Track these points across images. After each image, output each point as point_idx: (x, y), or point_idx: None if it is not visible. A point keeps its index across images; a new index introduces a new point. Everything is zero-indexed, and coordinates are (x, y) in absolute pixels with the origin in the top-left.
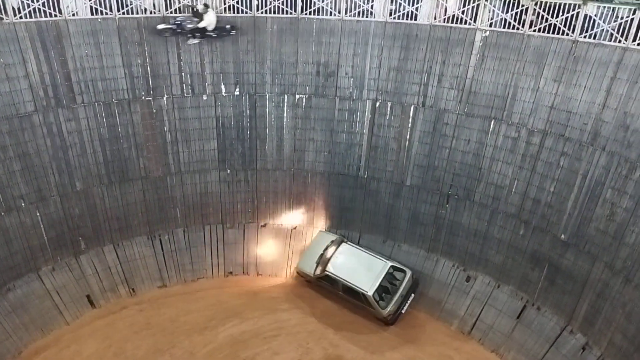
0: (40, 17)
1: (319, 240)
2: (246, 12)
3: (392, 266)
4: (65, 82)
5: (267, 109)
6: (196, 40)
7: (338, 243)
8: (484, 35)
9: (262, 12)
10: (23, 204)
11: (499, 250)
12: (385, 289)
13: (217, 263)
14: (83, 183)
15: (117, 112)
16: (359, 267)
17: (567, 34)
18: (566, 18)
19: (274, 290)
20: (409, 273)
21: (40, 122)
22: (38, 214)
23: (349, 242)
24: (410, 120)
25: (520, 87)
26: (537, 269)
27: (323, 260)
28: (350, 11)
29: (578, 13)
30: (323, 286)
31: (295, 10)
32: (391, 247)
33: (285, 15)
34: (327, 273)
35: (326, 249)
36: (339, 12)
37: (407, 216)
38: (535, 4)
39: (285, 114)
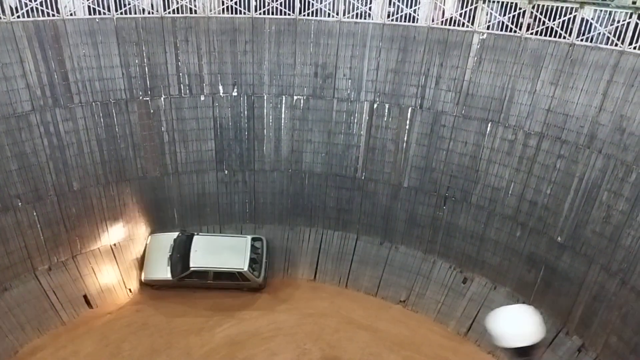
0: (38, 16)
1: (156, 243)
2: (244, 13)
3: (252, 238)
4: (63, 82)
5: (265, 110)
6: None
7: (186, 238)
8: (481, 37)
9: (260, 13)
10: (20, 204)
11: (495, 252)
12: (253, 260)
13: None
14: (80, 183)
15: (114, 112)
16: (223, 251)
17: (564, 37)
18: (563, 21)
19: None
20: (264, 240)
21: (38, 122)
22: (35, 214)
23: (199, 233)
24: (407, 122)
25: (517, 90)
26: (534, 271)
27: (177, 259)
28: (349, 13)
29: (575, 16)
30: (185, 284)
31: (293, 12)
32: (388, 248)
33: (283, 17)
34: (194, 268)
35: (173, 248)
36: (337, 14)
37: (405, 218)
38: (533, 7)
39: (283, 115)
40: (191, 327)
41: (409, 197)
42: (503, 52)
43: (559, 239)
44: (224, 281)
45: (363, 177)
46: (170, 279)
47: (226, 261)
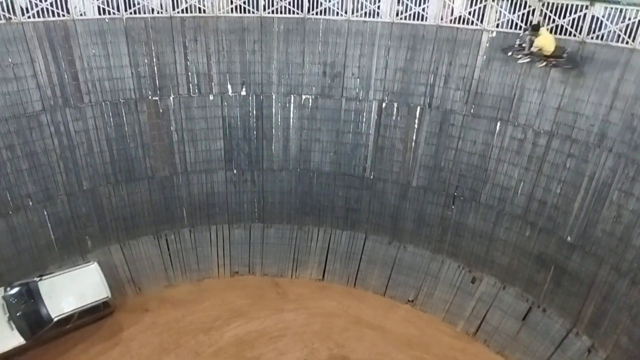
0: (48, 17)
1: None
2: (253, 12)
3: (97, 262)
4: (73, 82)
5: (273, 110)
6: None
7: (26, 288)
8: (490, 36)
9: (268, 12)
10: (30, 203)
11: (504, 252)
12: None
13: (223, 263)
14: (90, 182)
15: (123, 111)
16: (76, 286)
17: (574, 35)
18: (573, 19)
19: (279, 289)
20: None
21: (48, 122)
22: (45, 213)
23: (42, 277)
24: (416, 121)
25: (526, 89)
26: (543, 271)
27: (24, 317)
28: (357, 12)
29: (585, 14)
30: (42, 340)
31: (301, 11)
32: (397, 248)
33: (292, 16)
34: (57, 318)
35: (8, 306)
36: (346, 13)
37: (413, 217)
38: (543, 5)
39: (291, 115)
40: (200, 327)
41: (418, 197)
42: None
43: (568, 238)
44: (87, 316)
45: (372, 177)
46: (24, 342)
47: (88, 295)
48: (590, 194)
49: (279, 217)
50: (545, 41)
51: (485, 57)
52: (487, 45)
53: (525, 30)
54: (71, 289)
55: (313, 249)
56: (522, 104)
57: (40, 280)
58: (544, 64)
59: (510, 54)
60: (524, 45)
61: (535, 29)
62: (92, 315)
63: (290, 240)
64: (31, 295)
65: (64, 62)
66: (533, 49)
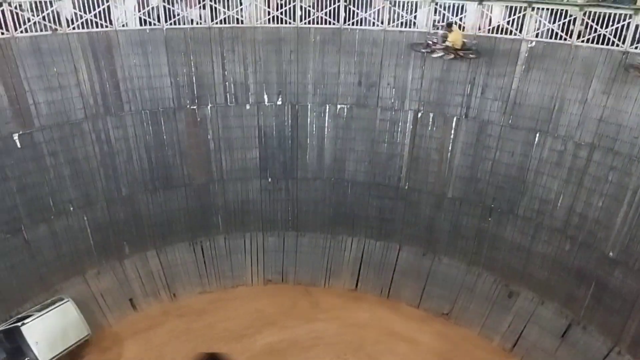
0: (92, 28)
1: None
2: (289, 23)
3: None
4: (114, 91)
5: (308, 119)
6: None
7: (7, 334)
8: (529, 45)
9: (305, 23)
10: (72, 208)
11: (543, 266)
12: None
13: (257, 270)
14: (128, 189)
15: (162, 120)
16: (59, 324)
17: (617, 45)
18: (616, 28)
19: (312, 298)
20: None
21: (90, 129)
22: (85, 219)
23: (24, 323)
24: (452, 131)
25: (567, 99)
26: (584, 287)
27: None
28: (393, 22)
29: (629, 23)
30: None
31: (338, 21)
32: (431, 259)
33: (328, 26)
34: None
35: None
36: (382, 23)
37: (448, 229)
38: (584, 14)
39: (326, 124)
40: (232, 334)
41: (453, 208)
42: (552, 60)
43: (610, 254)
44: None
45: (406, 187)
46: None
47: (72, 335)
48: (634, 208)
49: (313, 226)
50: (456, 37)
51: (524, 67)
52: (526, 55)
53: (438, 28)
54: (54, 331)
55: (346, 258)
56: (562, 115)
57: (22, 325)
58: (452, 56)
59: (422, 50)
60: (434, 42)
61: (450, 26)
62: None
63: (324, 250)
64: (13, 340)
65: (106, 71)
66: (448, 44)
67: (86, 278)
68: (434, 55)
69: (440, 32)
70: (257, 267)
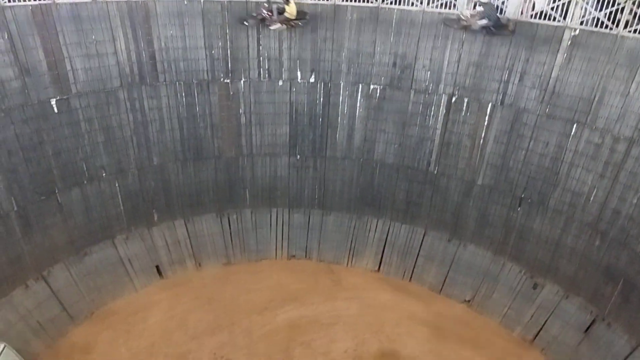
0: None
1: None
2: (327, 0)
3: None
4: (150, 61)
5: (340, 98)
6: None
7: None
8: (573, 34)
9: (342, 1)
10: (104, 174)
11: (570, 260)
12: None
13: (281, 246)
14: (160, 158)
15: (196, 92)
16: None
17: None
18: None
19: (334, 276)
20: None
21: (125, 98)
22: (117, 185)
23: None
24: (486, 118)
25: (608, 91)
26: (611, 284)
27: None
28: (433, 2)
29: None
30: None
31: (376, 0)
32: (456, 246)
33: (365, 4)
34: None
35: None
36: (421, 3)
37: (476, 216)
38: (633, 3)
39: (358, 104)
40: (254, 307)
41: (483, 196)
42: (596, 50)
43: None
44: None
45: (436, 172)
46: None
47: None
48: None
49: (339, 205)
50: (293, 8)
51: (566, 55)
52: (569, 43)
53: (270, 2)
54: None
55: (371, 239)
56: (602, 107)
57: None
58: (284, 27)
59: (250, 23)
60: (268, 14)
61: (287, 1)
62: None
63: (349, 229)
64: None
65: (143, 41)
66: (288, 15)
67: (115, 243)
68: (272, 27)
69: (275, 3)
70: (282, 242)
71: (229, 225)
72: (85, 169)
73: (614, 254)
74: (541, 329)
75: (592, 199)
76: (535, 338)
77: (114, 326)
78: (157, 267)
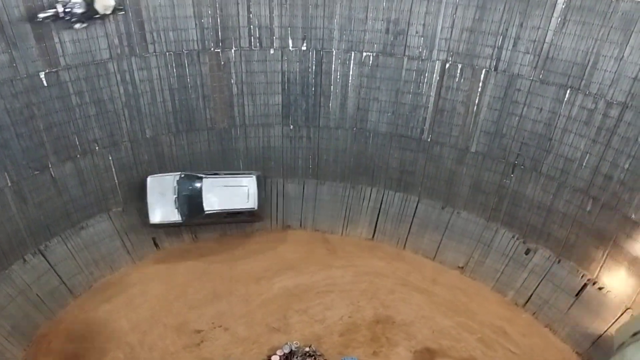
0: None
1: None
2: None
3: (257, 177)
4: (139, 31)
5: (333, 66)
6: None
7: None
8: None
9: None
10: (97, 148)
11: (562, 225)
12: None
13: (276, 216)
14: (152, 130)
15: (186, 62)
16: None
17: None
18: None
19: (329, 245)
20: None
21: (115, 70)
22: (110, 158)
23: (207, 175)
24: (480, 84)
25: (602, 55)
26: (602, 248)
27: (185, 202)
28: None
29: None
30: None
31: None
32: (450, 213)
33: None
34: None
35: (178, 190)
36: None
37: (469, 183)
38: None
39: (350, 72)
40: (251, 276)
41: (476, 163)
42: (590, 13)
43: (633, 216)
44: (234, 216)
45: (429, 139)
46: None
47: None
48: None
49: (333, 175)
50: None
51: (559, 19)
52: (563, 6)
53: None
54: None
55: (365, 208)
56: (595, 72)
57: (205, 177)
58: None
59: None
60: (73, 10)
61: None
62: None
63: (343, 198)
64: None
65: (131, 11)
66: (106, 12)
67: (110, 216)
68: (77, 26)
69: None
70: (277, 212)
71: None
72: (77, 142)
73: (605, 218)
74: (533, 293)
75: (584, 164)
76: (527, 302)
77: (114, 298)
78: (153, 239)
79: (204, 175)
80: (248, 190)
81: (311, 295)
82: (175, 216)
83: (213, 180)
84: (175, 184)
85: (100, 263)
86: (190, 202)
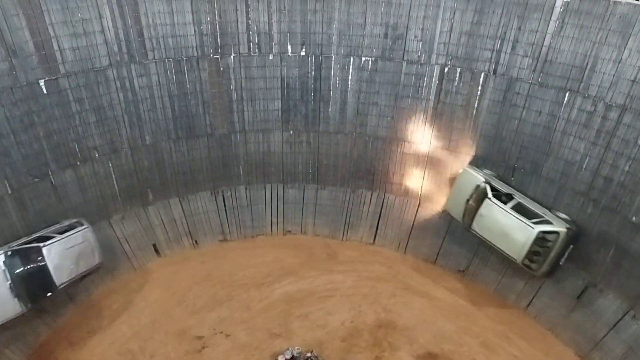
0: None
1: (465, 181)
2: None
3: (540, 231)
4: (138, 38)
5: (332, 71)
6: None
7: (482, 194)
8: (565, 0)
9: None
10: (97, 155)
11: None
12: (535, 253)
13: (277, 221)
14: (152, 137)
15: (186, 69)
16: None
17: None
18: None
19: (330, 250)
20: (562, 233)
21: (114, 77)
22: (110, 165)
23: (515, 197)
24: (479, 88)
25: (600, 58)
26: (603, 250)
27: (469, 210)
28: None
29: None
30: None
31: None
32: (450, 217)
33: None
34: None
35: (471, 196)
36: None
37: None
38: None
39: (350, 77)
40: (252, 282)
41: (476, 166)
42: (588, 16)
43: (633, 219)
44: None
45: (429, 144)
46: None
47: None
48: None
49: (333, 180)
50: None
51: (557, 22)
52: (561, 10)
53: None
54: (496, 224)
55: (365, 212)
56: (594, 75)
57: (486, 198)
58: None
59: None
60: None
61: None
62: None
63: (343, 203)
64: (482, 199)
65: (130, 18)
66: None
67: (111, 223)
68: None
69: None
70: (277, 218)
71: (224, 203)
72: (77, 150)
73: (605, 221)
74: (534, 296)
75: (584, 167)
76: (528, 305)
77: (115, 305)
78: (154, 245)
79: (37, 244)
80: (90, 243)
81: (312, 301)
82: (14, 308)
83: (52, 247)
84: (2, 266)
85: (100, 270)
86: (32, 281)
